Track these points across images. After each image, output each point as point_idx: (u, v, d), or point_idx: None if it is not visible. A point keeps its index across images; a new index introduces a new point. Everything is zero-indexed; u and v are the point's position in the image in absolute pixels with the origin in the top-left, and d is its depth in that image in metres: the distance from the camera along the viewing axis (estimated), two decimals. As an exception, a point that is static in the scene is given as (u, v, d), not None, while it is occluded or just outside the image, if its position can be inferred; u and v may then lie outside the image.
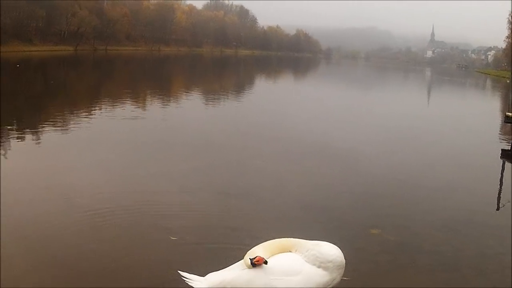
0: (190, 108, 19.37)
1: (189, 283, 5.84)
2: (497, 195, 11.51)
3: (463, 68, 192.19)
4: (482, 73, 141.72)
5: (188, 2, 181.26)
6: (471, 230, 9.28)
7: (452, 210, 10.36)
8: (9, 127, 16.07)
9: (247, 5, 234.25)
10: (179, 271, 5.91)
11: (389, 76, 68.64)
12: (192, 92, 23.61)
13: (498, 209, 10.56)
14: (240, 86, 31.96)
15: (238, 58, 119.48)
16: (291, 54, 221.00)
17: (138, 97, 22.77)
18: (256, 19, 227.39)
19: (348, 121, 22.30)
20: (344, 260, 5.58)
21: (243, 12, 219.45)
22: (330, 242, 5.62)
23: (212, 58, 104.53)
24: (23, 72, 42.13)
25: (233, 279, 5.72)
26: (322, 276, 5.61)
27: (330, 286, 5.64)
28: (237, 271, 5.80)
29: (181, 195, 10.18)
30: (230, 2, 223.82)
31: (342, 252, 5.53)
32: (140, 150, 14.03)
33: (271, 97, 26.35)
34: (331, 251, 5.60)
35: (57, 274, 6.59)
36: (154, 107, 20.19)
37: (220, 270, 5.87)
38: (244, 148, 15.41)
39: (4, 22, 76.36)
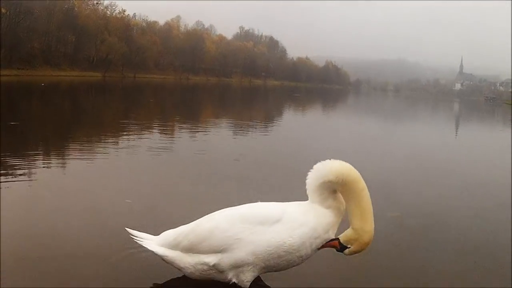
0: (220, 140, 18.59)
1: (139, 242, 5.13)
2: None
3: (491, 101, 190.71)
4: (510, 104, 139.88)
5: (217, 32, 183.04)
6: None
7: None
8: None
9: (276, 36, 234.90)
10: (126, 229, 5.19)
11: (418, 108, 67.61)
12: (223, 123, 23.08)
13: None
14: (271, 118, 31.25)
15: (267, 89, 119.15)
16: (320, 85, 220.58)
17: (172, 127, 22.21)
18: (285, 50, 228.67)
19: (376, 152, 21.35)
20: None
21: (272, 43, 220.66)
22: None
23: (242, 88, 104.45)
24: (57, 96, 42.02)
25: (191, 230, 4.96)
26: (316, 220, 4.75)
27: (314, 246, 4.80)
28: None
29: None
30: (260, 33, 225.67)
31: None
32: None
33: (301, 130, 25.54)
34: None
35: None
36: (185, 139, 19.52)
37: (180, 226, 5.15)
38: (258, 178, 14.19)
39: (32, 46, 77.44)
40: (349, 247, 4.76)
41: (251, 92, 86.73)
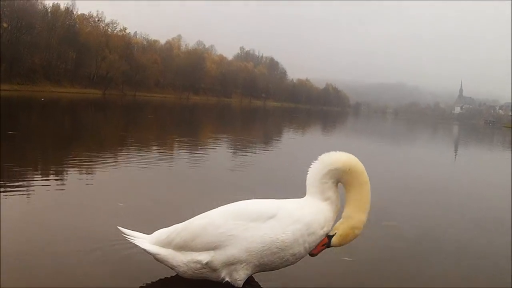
0: (217, 156, 18.27)
1: (131, 241, 5.10)
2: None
3: (490, 124, 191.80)
4: (510, 127, 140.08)
5: (218, 52, 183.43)
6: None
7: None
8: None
9: (277, 57, 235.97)
10: (119, 227, 5.18)
11: (417, 131, 67.37)
12: (221, 142, 23.00)
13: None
14: (270, 136, 31.05)
15: (267, 109, 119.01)
16: (320, 107, 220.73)
17: (171, 143, 22.04)
18: (285, 71, 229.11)
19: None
20: None
21: (273, 64, 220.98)
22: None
23: (242, 109, 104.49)
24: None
25: (184, 227, 4.90)
26: (312, 216, 4.70)
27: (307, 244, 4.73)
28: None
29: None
30: (260, 54, 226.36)
31: None
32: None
33: (300, 148, 25.34)
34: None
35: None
36: (183, 153, 19.31)
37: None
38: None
39: (33, 62, 77.77)
40: (335, 234, 4.77)
41: (250, 112, 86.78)
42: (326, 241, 4.78)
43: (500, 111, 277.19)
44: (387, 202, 10.17)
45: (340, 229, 4.74)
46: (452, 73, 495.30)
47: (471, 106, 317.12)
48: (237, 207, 4.87)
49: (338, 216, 4.89)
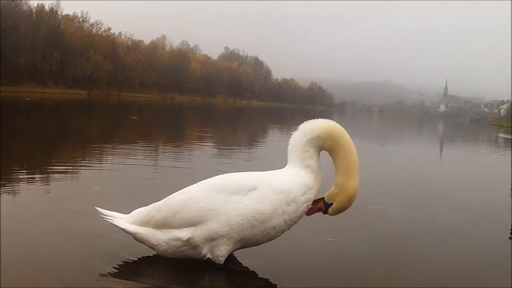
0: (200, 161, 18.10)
1: (109, 221, 5.00)
2: None
3: (475, 122, 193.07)
4: (495, 125, 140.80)
5: (203, 52, 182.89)
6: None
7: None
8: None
9: (261, 57, 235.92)
10: (96, 208, 5.07)
11: (404, 130, 67.20)
12: (206, 144, 22.83)
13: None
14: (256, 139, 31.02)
15: (252, 109, 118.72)
16: (305, 107, 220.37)
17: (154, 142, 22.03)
18: (270, 71, 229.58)
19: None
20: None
21: (257, 64, 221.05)
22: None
23: (226, 108, 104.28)
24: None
25: (164, 203, 4.84)
26: (290, 183, 4.63)
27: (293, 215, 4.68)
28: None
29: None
30: (245, 53, 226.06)
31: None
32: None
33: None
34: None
35: None
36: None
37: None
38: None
39: (17, 62, 77.23)
40: (332, 204, 4.74)
41: (235, 112, 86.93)
42: (323, 207, 4.79)
43: (485, 109, 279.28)
44: (376, 191, 10.27)
45: (337, 200, 4.70)
46: (437, 72, 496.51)
47: (456, 104, 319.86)
48: (217, 181, 4.80)
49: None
